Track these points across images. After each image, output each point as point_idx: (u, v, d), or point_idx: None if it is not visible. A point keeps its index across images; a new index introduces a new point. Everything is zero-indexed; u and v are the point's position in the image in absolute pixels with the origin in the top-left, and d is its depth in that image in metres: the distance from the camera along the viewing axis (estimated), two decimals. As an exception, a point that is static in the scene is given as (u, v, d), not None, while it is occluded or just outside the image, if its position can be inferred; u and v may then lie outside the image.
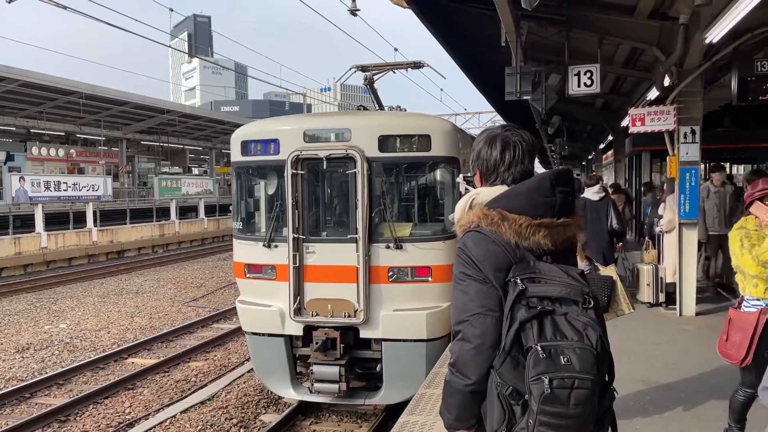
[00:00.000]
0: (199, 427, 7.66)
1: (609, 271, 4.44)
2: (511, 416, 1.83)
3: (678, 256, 8.57)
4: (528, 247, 1.94)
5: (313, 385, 7.24)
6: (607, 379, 1.89)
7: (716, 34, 6.88)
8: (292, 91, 41.24)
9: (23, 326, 13.04)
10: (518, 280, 1.86)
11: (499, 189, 2.07)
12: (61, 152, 35.27)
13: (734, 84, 8.15)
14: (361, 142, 7.05)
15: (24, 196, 22.10)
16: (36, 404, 8.62)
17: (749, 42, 7.87)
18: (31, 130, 33.66)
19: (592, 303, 1.85)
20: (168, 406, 8.41)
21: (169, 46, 22.31)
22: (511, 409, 1.83)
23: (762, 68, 8.03)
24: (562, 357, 1.73)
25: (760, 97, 8.07)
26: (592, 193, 8.18)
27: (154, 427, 7.67)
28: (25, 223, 24.57)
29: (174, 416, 7.95)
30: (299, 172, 7.18)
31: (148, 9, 20.24)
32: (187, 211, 35.39)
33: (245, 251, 7.74)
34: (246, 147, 7.59)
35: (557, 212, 1.97)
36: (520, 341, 1.81)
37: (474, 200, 2.09)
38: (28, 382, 9.23)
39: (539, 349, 1.74)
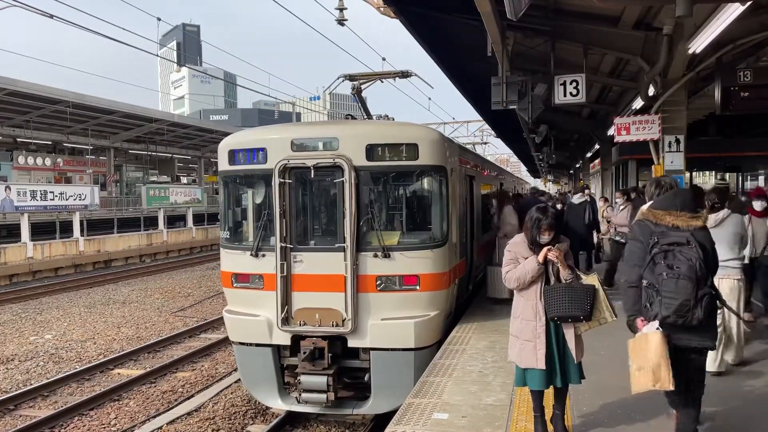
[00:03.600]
0: (186, 439, 7.60)
1: (591, 279, 4.47)
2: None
3: None
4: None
5: (300, 395, 7.21)
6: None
7: (699, 44, 6.99)
8: (281, 100, 41.02)
9: (8, 337, 12.89)
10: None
11: None
12: (48, 161, 35.01)
13: (717, 94, 8.27)
14: (349, 151, 7.07)
15: (10, 206, 21.87)
16: (20, 416, 8.51)
17: (732, 52, 8.00)
18: (18, 139, 33.39)
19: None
20: (154, 417, 8.33)
21: (157, 55, 22.21)
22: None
23: (744, 78, 8.16)
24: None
25: (743, 107, 8.20)
26: (575, 198, 10.99)
27: (140, 438, 7.61)
28: (10, 233, 24.32)
29: (160, 428, 7.88)
30: (287, 181, 7.19)
31: (136, 18, 20.18)
32: (175, 220, 35.18)
33: (233, 260, 7.71)
34: (233, 156, 7.59)
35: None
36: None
37: None
38: (12, 394, 9.11)
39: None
